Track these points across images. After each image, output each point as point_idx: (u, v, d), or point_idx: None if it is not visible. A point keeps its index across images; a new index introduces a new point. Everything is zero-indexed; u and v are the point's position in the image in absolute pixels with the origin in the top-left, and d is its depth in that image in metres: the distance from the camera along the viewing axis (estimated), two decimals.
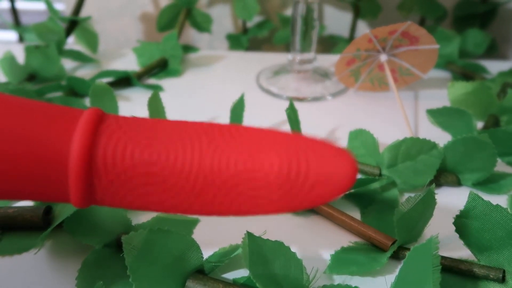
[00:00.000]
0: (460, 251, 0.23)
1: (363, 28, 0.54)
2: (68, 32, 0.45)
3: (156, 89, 0.40)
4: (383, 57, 0.36)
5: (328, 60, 0.45)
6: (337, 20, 0.54)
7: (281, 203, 0.16)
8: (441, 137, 0.32)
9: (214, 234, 0.25)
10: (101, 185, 0.16)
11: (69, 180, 0.16)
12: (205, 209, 0.17)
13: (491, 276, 0.21)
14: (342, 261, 0.23)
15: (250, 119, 0.34)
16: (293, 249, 0.21)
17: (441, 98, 0.38)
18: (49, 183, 0.16)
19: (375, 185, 0.28)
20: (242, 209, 0.16)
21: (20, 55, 0.44)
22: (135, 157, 0.16)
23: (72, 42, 0.50)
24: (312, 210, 0.26)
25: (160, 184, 0.16)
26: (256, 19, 0.54)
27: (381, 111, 0.37)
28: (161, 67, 0.44)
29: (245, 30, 0.54)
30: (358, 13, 0.52)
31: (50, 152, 0.16)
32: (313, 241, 0.24)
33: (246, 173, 0.16)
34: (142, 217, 0.26)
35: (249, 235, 0.21)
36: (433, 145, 0.27)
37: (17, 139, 0.16)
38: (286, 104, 0.37)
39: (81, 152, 0.16)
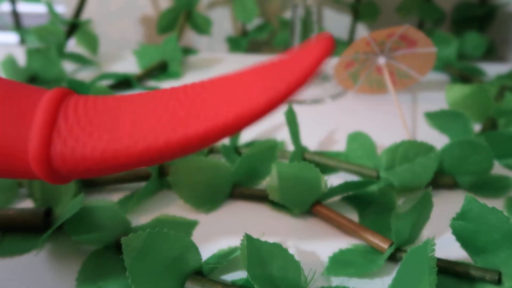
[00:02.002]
0: (457, 253, 0.23)
1: (362, 31, 0.55)
2: (69, 34, 0.46)
3: None
4: (382, 60, 0.36)
5: (327, 63, 0.45)
6: (336, 23, 0.55)
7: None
8: (439, 140, 0.32)
9: (212, 236, 0.25)
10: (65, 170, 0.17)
11: (34, 171, 0.17)
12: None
13: (487, 278, 0.21)
14: (340, 263, 0.23)
15: None
16: (291, 251, 0.21)
17: (439, 100, 0.38)
18: (14, 167, 0.17)
19: (373, 188, 0.28)
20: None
21: (21, 58, 0.44)
22: (91, 155, 0.16)
23: (72, 45, 0.50)
24: (310, 212, 0.26)
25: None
26: (256, 21, 0.55)
27: (380, 114, 0.37)
28: (161, 70, 0.44)
29: (244, 33, 0.54)
30: (357, 16, 0.52)
31: (9, 143, 0.17)
32: (311, 243, 0.25)
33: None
34: (142, 219, 0.26)
35: (248, 237, 0.21)
36: (430, 148, 0.27)
37: None
38: (285, 107, 0.37)
39: (38, 149, 0.17)
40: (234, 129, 0.15)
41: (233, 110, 0.15)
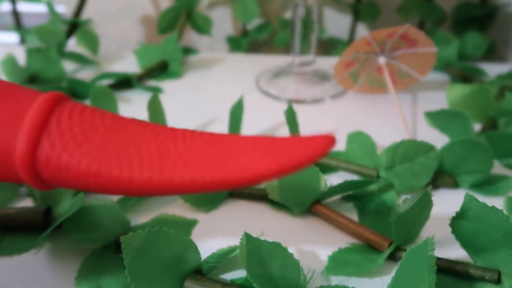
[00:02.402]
0: (456, 252, 0.23)
1: (362, 30, 0.55)
2: (69, 34, 0.46)
3: (156, 91, 0.40)
4: (382, 60, 0.36)
5: (328, 63, 0.45)
6: (336, 23, 0.55)
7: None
8: (439, 140, 0.32)
9: (212, 235, 0.25)
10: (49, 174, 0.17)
11: (19, 172, 0.17)
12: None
13: (487, 277, 0.21)
14: (339, 262, 0.23)
15: (249, 121, 0.34)
16: (290, 250, 0.21)
17: (439, 100, 0.38)
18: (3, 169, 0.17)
19: (373, 187, 0.28)
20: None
21: (21, 57, 0.44)
22: (75, 169, 0.16)
23: (73, 44, 0.50)
24: (309, 211, 0.26)
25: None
26: (256, 21, 0.55)
27: (380, 113, 0.37)
28: (161, 69, 0.44)
29: (245, 33, 0.54)
30: (357, 16, 0.52)
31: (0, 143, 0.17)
32: (310, 242, 0.25)
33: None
34: (141, 218, 0.26)
35: (247, 236, 0.21)
36: (430, 147, 0.27)
37: None
38: (285, 106, 0.37)
39: (24, 148, 0.17)
40: (216, 188, 0.16)
41: (221, 172, 0.16)
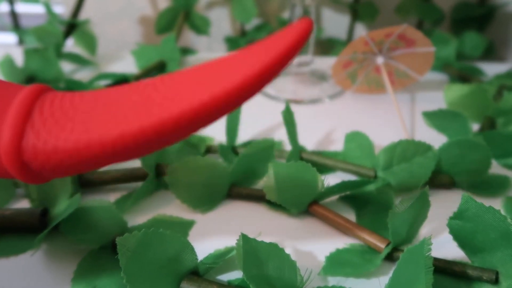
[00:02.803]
0: (454, 253, 0.23)
1: (360, 30, 0.55)
2: (67, 35, 0.46)
3: None
4: (380, 60, 0.36)
5: (326, 63, 0.45)
6: (335, 23, 0.54)
7: None
8: (437, 139, 0.32)
9: (209, 236, 0.25)
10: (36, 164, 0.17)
11: (6, 167, 0.17)
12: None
13: (484, 278, 0.21)
14: (337, 262, 0.23)
15: (247, 122, 0.34)
16: (287, 251, 0.21)
17: (437, 100, 0.38)
18: None
19: (370, 187, 0.28)
20: None
21: (19, 58, 0.44)
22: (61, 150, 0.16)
23: (71, 45, 0.50)
24: (307, 211, 0.26)
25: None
26: (255, 21, 0.55)
27: (378, 114, 0.37)
28: (159, 70, 0.44)
29: (243, 33, 0.54)
30: (355, 16, 0.52)
31: None
32: (307, 243, 0.25)
33: None
34: (138, 219, 0.26)
35: (244, 237, 0.21)
36: (428, 147, 0.27)
37: None
38: (283, 106, 0.37)
39: (9, 141, 0.16)
40: (210, 111, 0.15)
41: (208, 90, 0.15)
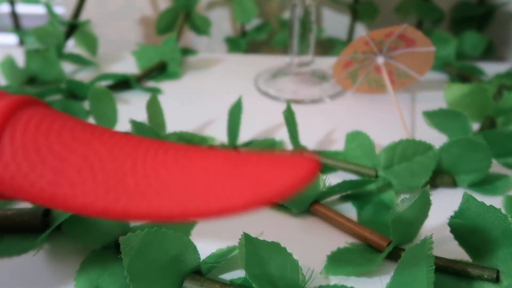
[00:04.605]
0: (455, 252, 0.23)
1: (361, 30, 0.55)
2: (68, 35, 0.46)
3: (155, 92, 0.41)
4: (380, 60, 0.36)
5: (326, 63, 0.45)
6: (335, 23, 0.55)
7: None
8: (438, 139, 0.32)
9: (211, 235, 0.25)
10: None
11: None
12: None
13: (485, 276, 0.21)
14: (338, 261, 0.23)
15: (248, 122, 0.34)
16: (289, 250, 0.21)
17: (437, 100, 0.38)
18: None
19: (371, 187, 0.28)
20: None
21: (20, 59, 0.44)
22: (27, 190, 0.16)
23: (71, 46, 0.50)
24: (308, 211, 0.26)
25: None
26: (255, 22, 0.55)
27: (378, 113, 0.37)
28: (160, 70, 0.44)
29: (243, 33, 0.54)
30: (355, 16, 0.52)
31: None
32: (309, 242, 0.25)
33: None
34: None
35: (246, 236, 0.21)
36: (428, 147, 0.27)
37: None
38: (284, 106, 0.37)
39: None
40: (178, 220, 0.14)
41: (186, 203, 0.14)
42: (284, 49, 0.56)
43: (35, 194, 0.15)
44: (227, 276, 0.22)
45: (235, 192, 0.14)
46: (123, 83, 0.41)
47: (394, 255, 0.23)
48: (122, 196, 0.15)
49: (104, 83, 0.41)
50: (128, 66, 0.46)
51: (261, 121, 0.36)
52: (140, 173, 0.15)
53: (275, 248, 0.21)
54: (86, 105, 0.38)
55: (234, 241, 0.24)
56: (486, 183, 0.28)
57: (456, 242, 0.22)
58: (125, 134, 0.17)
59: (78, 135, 0.16)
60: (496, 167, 0.30)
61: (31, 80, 0.41)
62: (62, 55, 0.44)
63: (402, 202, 0.23)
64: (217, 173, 0.15)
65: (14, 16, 0.56)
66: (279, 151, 0.15)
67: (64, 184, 0.15)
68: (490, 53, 0.51)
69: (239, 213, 0.14)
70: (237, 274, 0.23)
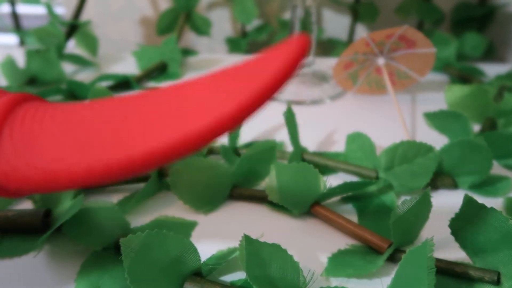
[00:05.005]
0: (456, 254, 0.23)
1: (361, 31, 0.55)
2: (68, 36, 0.46)
3: None
4: (381, 61, 0.36)
5: (327, 63, 0.45)
6: (335, 24, 0.55)
7: None
8: (438, 140, 0.32)
9: (212, 237, 0.25)
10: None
11: None
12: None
13: (486, 278, 0.21)
14: (339, 263, 0.23)
15: (248, 123, 0.34)
16: (290, 252, 0.21)
17: (438, 101, 0.38)
18: None
19: (372, 188, 0.28)
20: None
21: (20, 59, 0.44)
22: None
23: (72, 46, 0.50)
24: (309, 212, 0.26)
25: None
26: (255, 22, 0.55)
27: (379, 114, 0.37)
28: (160, 71, 0.44)
29: (244, 34, 0.54)
30: (356, 17, 0.52)
31: None
32: (310, 244, 0.25)
33: None
34: (141, 220, 0.26)
35: (247, 238, 0.21)
36: (429, 148, 0.27)
37: None
38: (284, 107, 0.37)
39: None
40: (180, 152, 0.13)
41: (179, 129, 0.13)
42: None
43: (39, 177, 0.16)
44: (228, 278, 0.22)
45: (224, 98, 0.13)
46: (123, 84, 0.41)
47: (394, 257, 0.23)
48: (122, 145, 0.14)
49: (105, 83, 0.41)
50: (129, 67, 0.46)
51: (261, 122, 0.36)
52: (132, 119, 0.15)
53: (276, 249, 0.21)
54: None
55: (234, 243, 0.24)
56: (487, 184, 0.28)
57: (457, 244, 0.22)
58: (110, 98, 0.17)
59: (70, 109, 0.16)
60: (496, 168, 0.30)
61: (32, 80, 0.41)
62: (63, 56, 0.44)
63: (402, 203, 0.23)
64: (200, 92, 0.14)
65: (15, 16, 0.56)
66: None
67: (65, 157, 0.15)
68: (491, 54, 0.51)
69: (236, 116, 0.12)
70: (238, 275, 0.23)
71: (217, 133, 0.13)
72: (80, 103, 0.17)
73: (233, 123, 0.12)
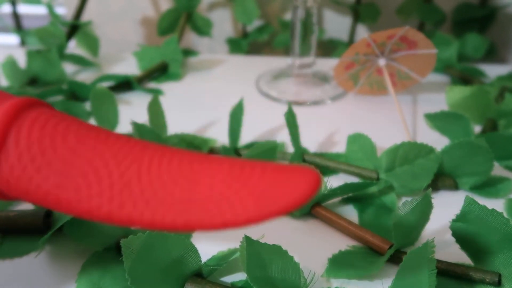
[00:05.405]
0: (457, 255, 0.23)
1: (362, 32, 0.55)
2: (69, 36, 0.46)
3: (156, 93, 0.41)
4: (382, 61, 0.36)
5: (328, 64, 0.45)
6: (336, 24, 0.55)
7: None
8: (439, 141, 0.32)
9: (212, 238, 0.25)
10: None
11: None
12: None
13: (487, 280, 0.21)
14: (340, 264, 0.23)
15: (249, 123, 0.34)
16: (290, 253, 0.21)
17: (439, 102, 0.38)
18: None
19: (373, 189, 0.28)
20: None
21: (21, 59, 0.44)
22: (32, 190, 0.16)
23: (73, 46, 0.50)
24: (310, 213, 0.26)
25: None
26: (256, 23, 0.55)
27: (380, 115, 0.37)
28: (161, 71, 0.44)
29: (245, 34, 0.54)
30: (357, 17, 0.52)
31: None
32: (310, 245, 0.25)
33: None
34: None
35: (247, 239, 0.21)
36: (430, 149, 0.27)
37: None
38: (285, 108, 0.37)
39: None
40: (180, 230, 0.15)
41: (189, 214, 0.14)
42: (285, 50, 0.56)
43: (40, 196, 0.16)
44: (228, 279, 0.22)
45: (239, 206, 0.14)
46: (124, 84, 0.41)
47: (395, 258, 0.23)
48: (126, 203, 0.15)
49: (106, 84, 0.41)
50: (130, 67, 0.46)
51: (262, 123, 0.36)
52: (144, 181, 0.15)
53: (276, 250, 0.21)
54: (87, 106, 0.38)
55: (235, 244, 0.23)
56: (488, 186, 0.28)
57: (457, 246, 0.22)
58: (129, 137, 0.17)
59: (82, 138, 0.16)
60: (498, 170, 0.30)
61: (33, 80, 0.41)
62: (64, 56, 0.44)
63: (403, 205, 0.23)
64: (221, 184, 0.15)
65: (16, 16, 0.56)
66: (281, 163, 0.15)
67: (69, 188, 0.15)
68: (492, 55, 0.51)
69: (241, 227, 0.14)
70: (238, 276, 0.23)
71: (224, 228, 0.14)
72: (96, 129, 0.17)
73: (240, 226, 0.14)
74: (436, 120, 0.34)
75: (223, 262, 0.22)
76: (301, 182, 0.14)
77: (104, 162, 0.16)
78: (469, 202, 0.22)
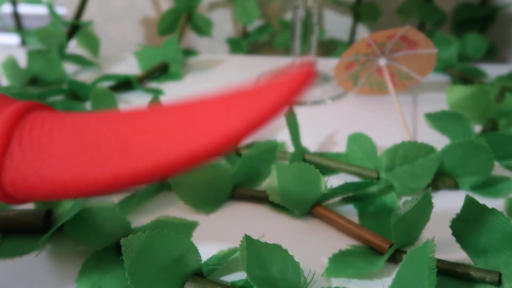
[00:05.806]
0: (457, 254, 0.23)
1: (362, 32, 0.55)
2: (70, 36, 0.46)
3: (157, 92, 0.41)
4: (382, 61, 0.36)
5: (328, 64, 0.45)
6: (337, 24, 0.55)
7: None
8: (440, 141, 0.32)
9: (212, 237, 0.25)
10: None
11: None
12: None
13: (487, 279, 0.21)
14: (340, 264, 0.23)
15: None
16: (290, 252, 0.21)
17: (439, 102, 0.38)
18: None
19: (373, 189, 0.28)
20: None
21: (22, 59, 0.45)
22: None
23: (73, 46, 0.50)
24: (310, 213, 0.26)
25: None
26: (256, 23, 0.55)
27: (380, 115, 0.37)
28: (161, 71, 0.44)
29: (245, 34, 0.54)
30: (357, 17, 0.52)
31: None
32: (311, 244, 0.25)
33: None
34: (142, 220, 0.26)
35: (247, 238, 0.21)
36: (430, 149, 0.27)
37: None
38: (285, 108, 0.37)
39: None
40: (188, 165, 0.14)
41: (183, 146, 0.14)
42: (285, 50, 0.56)
43: (47, 187, 0.16)
44: (229, 278, 0.22)
45: (231, 117, 0.13)
46: (125, 84, 0.41)
47: (395, 258, 0.23)
48: (129, 157, 0.15)
49: (106, 84, 0.41)
50: (130, 67, 0.46)
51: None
52: (139, 131, 0.15)
53: (277, 250, 0.21)
54: (88, 105, 0.38)
55: (235, 243, 0.23)
56: (488, 185, 0.28)
57: (458, 245, 0.22)
58: (113, 111, 0.17)
59: (77, 120, 0.17)
60: (498, 169, 0.30)
61: (33, 80, 0.41)
62: (64, 56, 0.44)
63: (404, 204, 0.23)
64: (207, 111, 0.14)
65: (16, 16, 0.56)
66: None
67: (73, 167, 0.16)
68: (492, 55, 0.51)
69: (238, 139, 0.13)
70: (239, 276, 0.23)
71: (223, 149, 0.13)
72: (89, 114, 0.17)
73: (238, 140, 0.13)
74: (436, 120, 0.34)
75: (223, 262, 0.22)
76: (289, 82, 0.13)
77: (99, 132, 0.16)
78: (469, 202, 0.22)
